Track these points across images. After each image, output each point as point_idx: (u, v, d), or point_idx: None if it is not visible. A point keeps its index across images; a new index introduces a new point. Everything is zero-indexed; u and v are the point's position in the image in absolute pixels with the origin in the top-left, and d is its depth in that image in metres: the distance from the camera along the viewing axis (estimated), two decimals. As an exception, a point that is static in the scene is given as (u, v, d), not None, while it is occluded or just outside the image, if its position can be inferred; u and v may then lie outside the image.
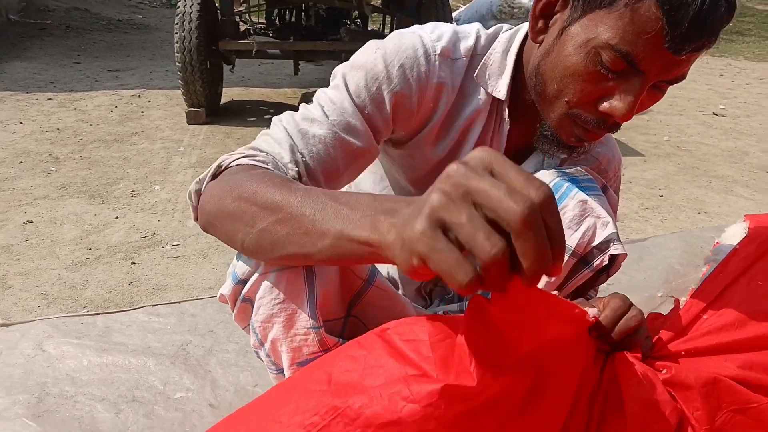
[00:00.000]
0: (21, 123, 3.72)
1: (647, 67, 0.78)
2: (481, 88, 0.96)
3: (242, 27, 4.33)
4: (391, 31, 4.70)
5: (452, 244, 0.47)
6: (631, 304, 0.88)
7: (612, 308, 0.84)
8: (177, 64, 3.73)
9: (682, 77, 0.83)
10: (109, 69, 5.60)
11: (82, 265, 1.97)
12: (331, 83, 0.92)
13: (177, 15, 3.73)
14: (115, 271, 1.94)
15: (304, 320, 0.79)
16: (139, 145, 3.41)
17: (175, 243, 2.15)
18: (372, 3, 4.55)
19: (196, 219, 0.84)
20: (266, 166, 0.80)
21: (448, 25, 0.97)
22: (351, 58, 0.93)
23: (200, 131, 3.74)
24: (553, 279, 0.99)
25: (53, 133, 3.54)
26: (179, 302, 1.71)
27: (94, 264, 1.98)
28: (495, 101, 0.98)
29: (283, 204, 0.69)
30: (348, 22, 5.07)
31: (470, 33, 0.97)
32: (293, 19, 4.92)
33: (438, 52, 0.91)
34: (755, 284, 1.05)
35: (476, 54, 0.96)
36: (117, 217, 2.38)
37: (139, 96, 4.60)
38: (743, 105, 5.14)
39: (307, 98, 4.87)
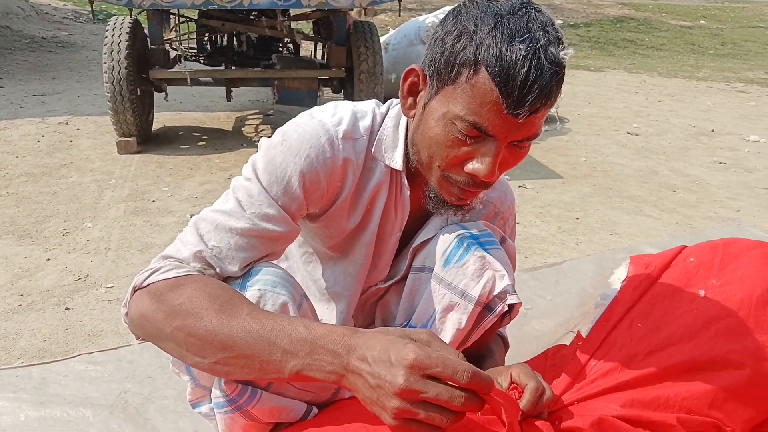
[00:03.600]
0: (-59, 157, 3.61)
1: (495, 132, 0.91)
2: (380, 162, 1.08)
3: (173, 54, 4.33)
4: (323, 58, 4.81)
5: (414, 428, 0.74)
6: (540, 382, 1.04)
7: (531, 392, 1.01)
8: (106, 93, 3.71)
9: (535, 135, 0.95)
10: (34, 93, 5.46)
11: (14, 312, 1.98)
12: (245, 173, 1.01)
13: (105, 44, 3.71)
14: (48, 317, 1.95)
15: None
16: (69, 178, 3.38)
17: (109, 285, 2.17)
18: (302, 31, 4.65)
19: (137, 338, 0.96)
20: (179, 274, 0.92)
21: (347, 105, 1.08)
22: (261, 148, 1.02)
23: (132, 161, 3.72)
24: (463, 326, 1.11)
25: (-23, 168, 3.46)
26: (116, 348, 1.75)
27: (26, 311, 1.99)
28: (394, 172, 1.10)
29: (227, 342, 0.83)
30: (280, 47, 5.14)
31: (367, 111, 1.09)
32: (224, 44, 4.95)
33: (341, 136, 1.02)
34: (635, 327, 1.21)
35: (374, 131, 1.08)
36: (48, 259, 2.37)
37: (67, 123, 4.52)
38: (655, 123, 5.50)
39: (241, 122, 4.90)
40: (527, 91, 0.85)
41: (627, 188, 3.63)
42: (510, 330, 1.44)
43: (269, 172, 0.98)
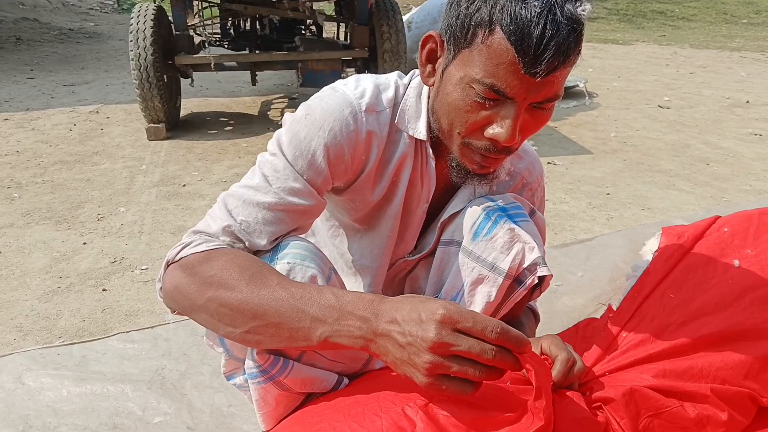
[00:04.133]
0: (-22, 147, 3.71)
1: (514, 93, 0.89)
2: (404, 133, 1.08)
3: (197, 39, 4.36)
4: (346, 39, 4.79)
5: (446, 385, 0.76)
6: (571, 353, 1.04)
7: (562, 363, 1.01)
8: (134, 81, 3.76)
9: (555, 96, 0.92)
10: (64, 84, 5.56)
11: (54, 294, 2.04)
12: (270, 148, 1.02)
13: (131, 32, 3.75)
14: (86, 299, 2.01)
15: None
16: (101, 165, 3.45)
17: (143, 267, 2.22)
18: (324, 12, 4.64)
19: (172, 312, 0.99)
20: (209, 248, 0.94)
21: (369, 78, 1.08)
22: (286, 123, 1.03)
23: (161, 147, 3.78)
24: (493, 299, 1.11)
25: (13, 156, 3.55)
26: (152, 327, 1.80)
27: (65, 293, 2.04)
28: (419, 142, 1.09)
29: (258, 311, 0.85)
30: (303, 29, 5.14)
31: (389, 83, 1.08)
32: (248, 28, 4.97)
33: (363, 109, 1.02)
34: (667, 298, 1.20)
35: (397, 103, 1.07)
36: (85, 243, 2.43)
37: (97, 112, 4.60)
38: (686, 96, 5.38)
39: (267, 106, 4.93)
40: (543, 49, 0.83)
41: (659, 162, 3.57)
42: (540, 306, 1.44)
43: (294, 147, 0.99)
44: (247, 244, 0.98)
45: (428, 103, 1.06)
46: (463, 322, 0.74)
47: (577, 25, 0.85)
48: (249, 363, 0.98)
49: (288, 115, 1.04)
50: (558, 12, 0.83)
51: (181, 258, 0.95)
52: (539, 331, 1.39)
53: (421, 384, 0.75)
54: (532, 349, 1.06)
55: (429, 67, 1.00)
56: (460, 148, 1.00)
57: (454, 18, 0.92)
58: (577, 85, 5.17)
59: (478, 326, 0.73)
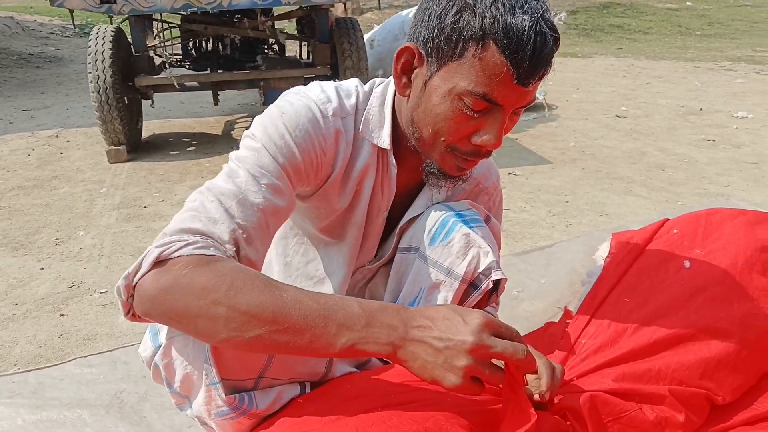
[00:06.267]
0: (-69, 174, 3.61)
1: (504, 102, 0.93)
2: (367, 141, 1.09)
3: (158, 60, 4.33)
4: (308, 57, 4.81)
5: (476, 385, 0.80)
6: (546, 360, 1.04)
7: (550, 377, 1.01)
8: (93, 103, 3.71)
9: (533, 100, 0.99)
10: (23, 108, 5.45)
11: (9, 321, 1.98)
12: (248, 144, 0.98)
13: (89, 54, 3.71)
14: (43, 324, 1.96)
15: (205, 378, 0.91)
16: (60, 189, 3.38)
17: (102, 290, 2.18)
18: (286, 31, 4.65)
19: (127, 314, 0.87)
20: (215, 253, 0.84)
21: (330, 84, 1.08)
22: (259, 122, 1.00)
23: (122, 170, 3.73)
24: (450, 304, 1.12)
25: (-33, 183, 3.47)
26: (110, 351, 1.76)
27: (21, 320, 1.99)
28: (381, 151, 1.11)
29: (278, 316, 0.79)
30: (265, 48, 5.15)
31: (351, 90, 1.10)
32: (209, 48, 4.96)
33: (330, 113, 1.03)
34: (622, 302, 1.22)
35: (359, 109, 1.09)
36: (42, 268, 2.38)
37: (56, 136, 4.52)
38: (643, 105, 5.52)
39: (231, 126, 4.91)
40: (536, 61, 0.88)
41: (616, 170, 3.65)
42: (501, 312, 1.45)
43: (273, 142, 0.97)
44: (242, 254, 0.90)
45: (394, 113, 1.08)
46: (498, 328, 0.80)
47: (557, 34, 0.91)
48: (217, 403, 0.93)
49: (259, 118, 1.02)
50: (543, 24, 0.88)
51: (180, 255, 0.83)
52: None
53: (453, 385, 0.78)
54: None
55: (404, 79, 1.02)
56: (441, 155, 1.03)
57: (436, 31, 0.93)
58: (537, 98, 5.27)
59: (509, 332, 0.81)
